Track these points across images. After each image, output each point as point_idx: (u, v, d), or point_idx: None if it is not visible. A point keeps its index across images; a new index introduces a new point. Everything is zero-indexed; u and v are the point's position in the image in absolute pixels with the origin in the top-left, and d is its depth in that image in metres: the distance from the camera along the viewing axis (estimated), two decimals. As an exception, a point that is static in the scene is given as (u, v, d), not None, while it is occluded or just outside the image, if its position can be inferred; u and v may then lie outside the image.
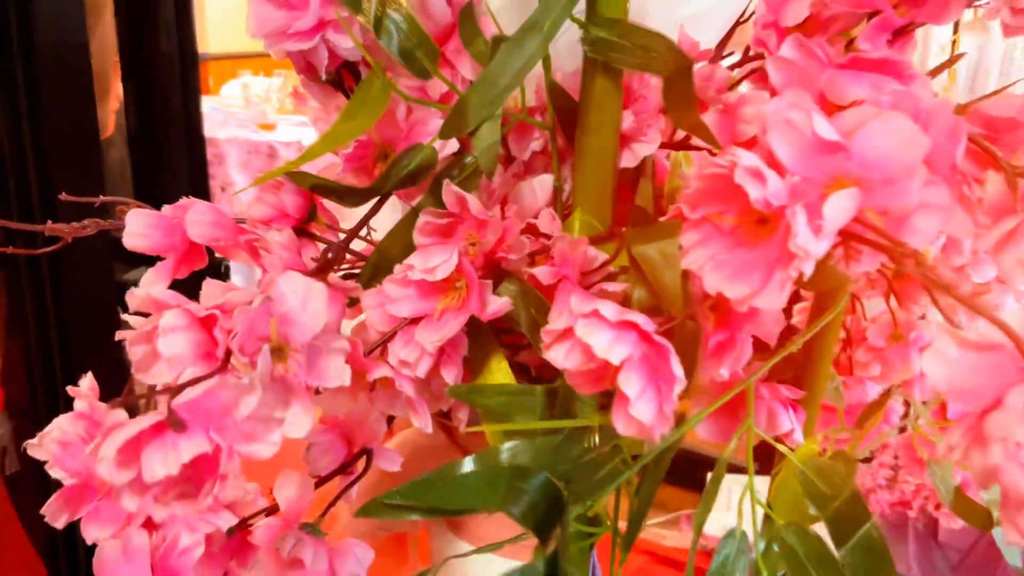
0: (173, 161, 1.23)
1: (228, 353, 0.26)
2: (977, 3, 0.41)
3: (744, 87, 0.37)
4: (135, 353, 0.28)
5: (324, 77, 0.36)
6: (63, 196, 0.39)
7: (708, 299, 0.28)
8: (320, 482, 0.36)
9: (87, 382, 0.33)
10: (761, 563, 0.29)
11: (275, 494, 0.34)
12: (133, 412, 0.27)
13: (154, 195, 0.41)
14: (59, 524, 0.31)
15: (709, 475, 0.29)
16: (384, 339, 0.34)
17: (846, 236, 0.25)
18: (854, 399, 0.47)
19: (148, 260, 0.37)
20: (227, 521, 0.32)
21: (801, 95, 0.25)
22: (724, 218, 0.25)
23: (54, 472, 0.32)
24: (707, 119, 0.32)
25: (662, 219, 0.30)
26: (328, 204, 0.38)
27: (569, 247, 0.32)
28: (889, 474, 1.20)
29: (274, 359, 0.27)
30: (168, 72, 1.19)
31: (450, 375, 0.34)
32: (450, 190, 0.33)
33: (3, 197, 0.96)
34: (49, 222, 0.38)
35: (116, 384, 0.32)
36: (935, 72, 0.35)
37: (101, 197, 0.41)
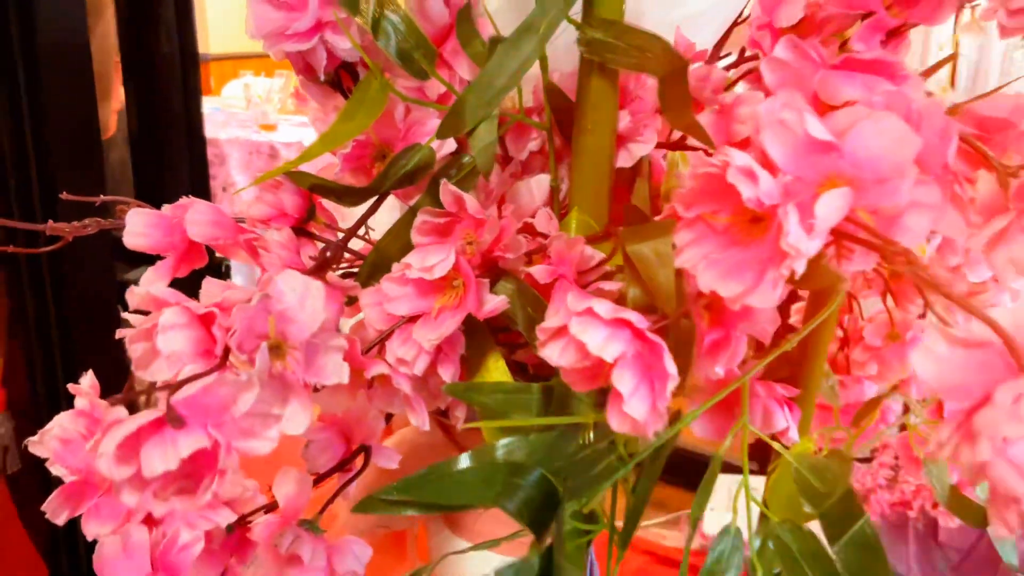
0: (174, 162, 1.23)
1: (227, 350, 0.26)
2: (973, 3, 0.42)
3: (740, 88, 0.37)
4: (135, 350, 0.28)
5: (323, 78, 0.36)
6: (64, 195, 0.39)
7: (703, 298, 0.28)
8: (319, 479, 0.36)
9: (88, 380, 0.33)
10: (756, 560, 0.29)
11: (274, 491, 0.35)
12: (133, 409, 0.27)
13: (155, 195, 0.41)
14: (60, 520, 0.32)
15: (709, 475, 0.30)
16: (382, 337, 0.34)
17: (838, 235, 0.25)
18: (852, 398, 0.48)
19: (149, 260, 0.37)
20: (226, 518, 0.32)
21: (794, 95, 0.25)
22: (718, 217, 0.26)
23: (55, 469, 0.32)
24: (703, 119, 0.32)
25: (657, 218, 0.30)
26: (327, 204, 0.38)
27: (566, 246, 0.32)
28: (889, 474, 1.19)
29: (272, 356, 0.27)
30: (169, 73, 1.19)
31: (447, 373, 0.34)
32: (447, 190, 0.33)
33: (4, 197, 0.96)
34: (50, 221, 0.39)
35: (117, 383, 0.32)
36: (928, 73, 0.35)
37: (102, 197, 0.41)
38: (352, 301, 0.35)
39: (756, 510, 0.30)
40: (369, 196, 0.36)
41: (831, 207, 0.23)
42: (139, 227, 0.36)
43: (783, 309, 0.44)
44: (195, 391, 0.26)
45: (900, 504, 1.19)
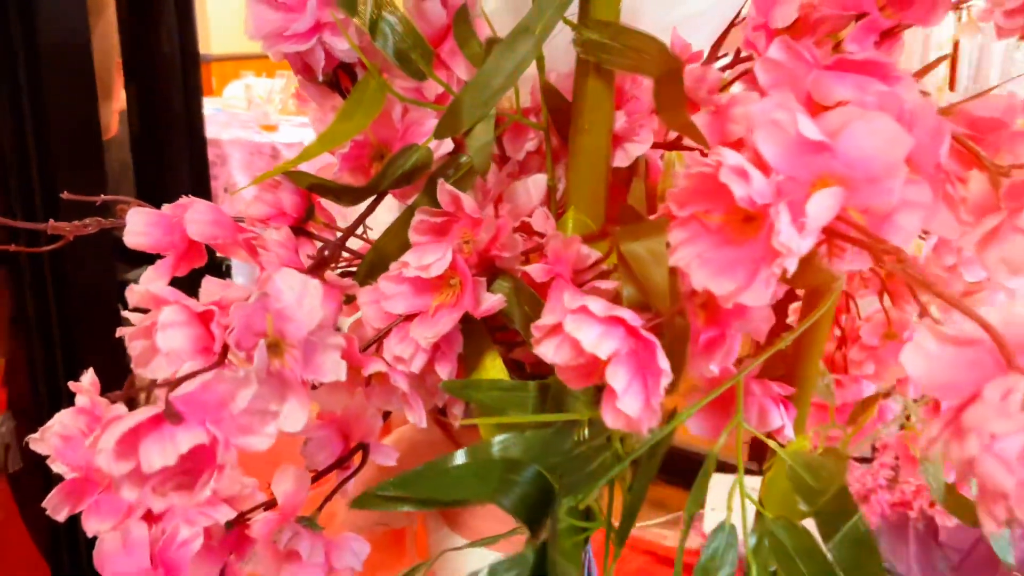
0: (175, 162, 1.24)
1: (225, 348, 0.27)
2: (968, 4, 0.42)
3: (736, 88, 0.37)
4: (134, 348, 0.28)
5: (321, 78, 0.36)
6: (65, 195, 0.39)
7: (697, 296, 0.29)
8: (317, 477, 0.36)
9: (88, 377, 0.33)
10: (751, 557, 0.30)
11: (273, 488, 0.35)
12: (133, 406, 0.27)
13: (156, 196, 0.41)
14: (60, 517, 0.32)
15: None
16: (380, 335, 0.34)
17: (830, 234, 0.26)
18: (849, 398, 0.48)
19: (150, 260, 0.37)
20: (225, 515, 0.33)
21: (787, 96, 0.25)
22: (711, 216, 0.26)
23: (56, 466, 0.32)
24: (698, 120, 0.32)
25: (651, 217, 0.30)
26: (325, 203, 0.39)
27: (562, 245, 0.33)
28: (889, 474, 1.20)
29: (270, 354, 0.27)
30: (170, 73, 1.19)
31: (445, 371, 0.34)
32: (445, 189, 0.33)
33: (6, 196, 0.97)
34: (51, 220, 0.39)
35: (118, 382, 0.32)
36: (921, 74, 0.35)
37: (103, 196, 0.41)
38: (350, 300, 0.35)
39: (752, 508, 0.30)
40: (367, 195, 0.36)
41: (822, 206, 0.24)
42: (139, 226, 0.36)
43: (780, 308, 0.44)
44: (194, 388, 0.26)
45: (900, 504, 1.19)
